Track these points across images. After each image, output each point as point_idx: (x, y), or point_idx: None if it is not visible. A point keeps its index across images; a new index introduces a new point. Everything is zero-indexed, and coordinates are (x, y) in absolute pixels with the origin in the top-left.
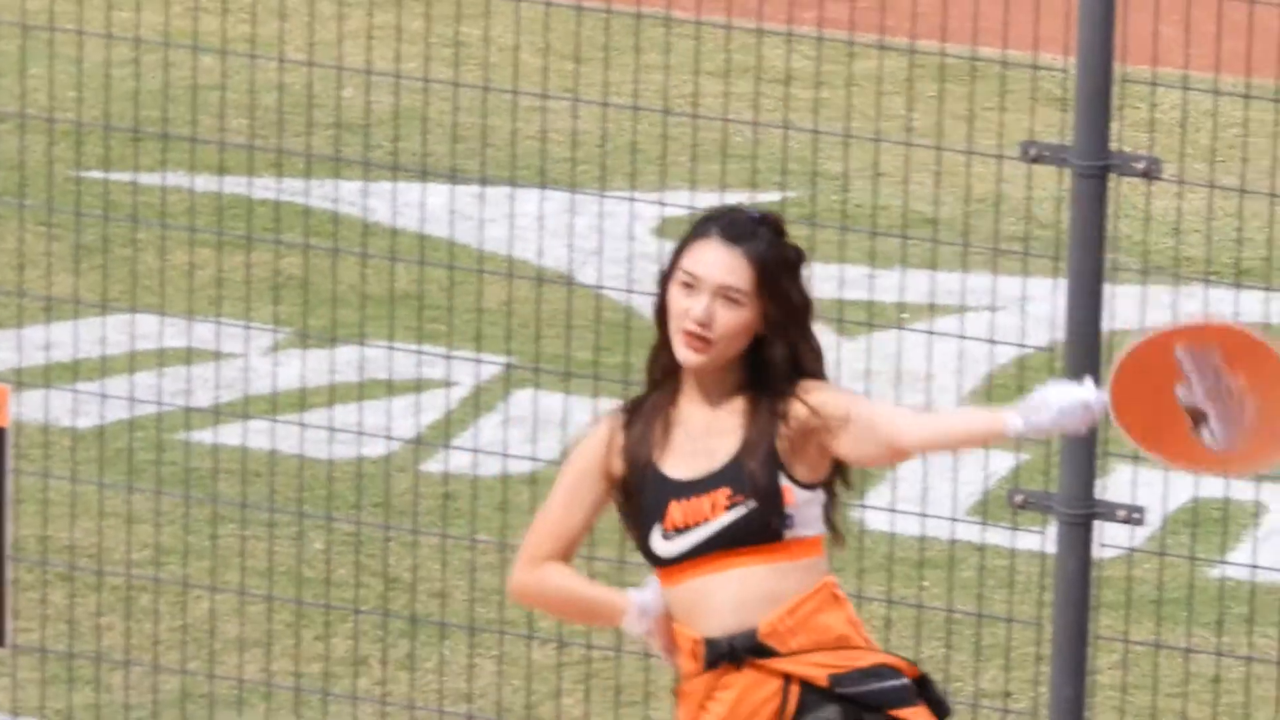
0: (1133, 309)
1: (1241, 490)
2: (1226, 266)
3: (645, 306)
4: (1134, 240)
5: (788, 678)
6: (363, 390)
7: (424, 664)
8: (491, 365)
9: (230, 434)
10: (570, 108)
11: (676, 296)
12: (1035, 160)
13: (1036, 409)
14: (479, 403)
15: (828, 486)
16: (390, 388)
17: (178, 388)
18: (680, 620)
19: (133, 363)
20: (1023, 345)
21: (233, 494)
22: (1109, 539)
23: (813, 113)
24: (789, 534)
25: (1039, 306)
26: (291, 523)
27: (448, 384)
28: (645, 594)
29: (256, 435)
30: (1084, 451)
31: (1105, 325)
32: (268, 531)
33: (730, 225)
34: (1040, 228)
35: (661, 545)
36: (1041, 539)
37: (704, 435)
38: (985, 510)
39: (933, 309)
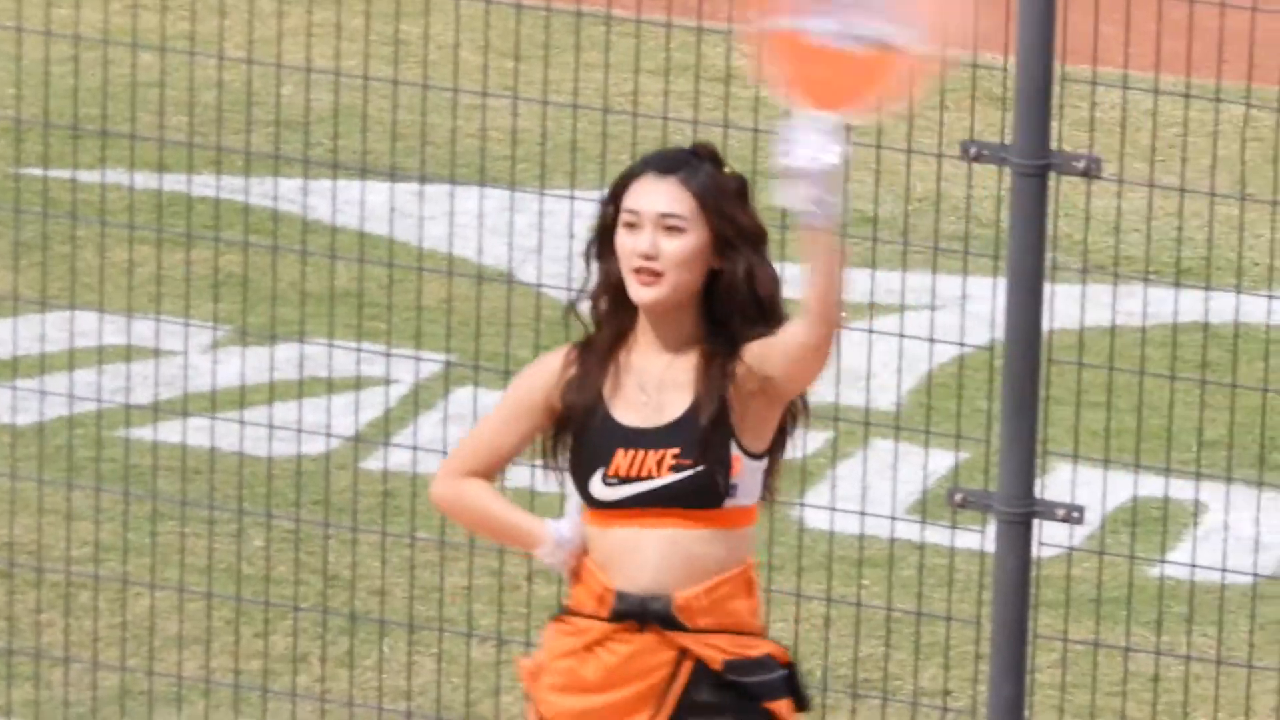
0: (1073, 308)
1: (1181, 490)
2: (1166, 266)
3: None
4: (1074, 239)
5: (684, 651)
6: (302, 388)
7: (363, 661)
8: (431, 363)
9: (170, 431)
10: (510, 106)
11: (623, 240)
12: (975, 159)
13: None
14: (418, 400)
15: (772, 453)
16: (330, 385)
17: (117, 385)
18: (598, 561)
19: (72, 360)
20: (963, 344)
21: (172, 491)
22: (1048, 538)
23: (753, 111)
24: (730, 502)
25: (979, 305)
26: (231, 520)
27: (387, 382)
28: (563, 526)
29: (196, 433)
30: (1024, 450)
31: (1045, 324)
32: (207, 529)
33: (662, 158)
34: (980, 227)
35: (600, 489)
36: (981, 538)
37: (656, 385)
38: (924, 509)
39: (873, 308)
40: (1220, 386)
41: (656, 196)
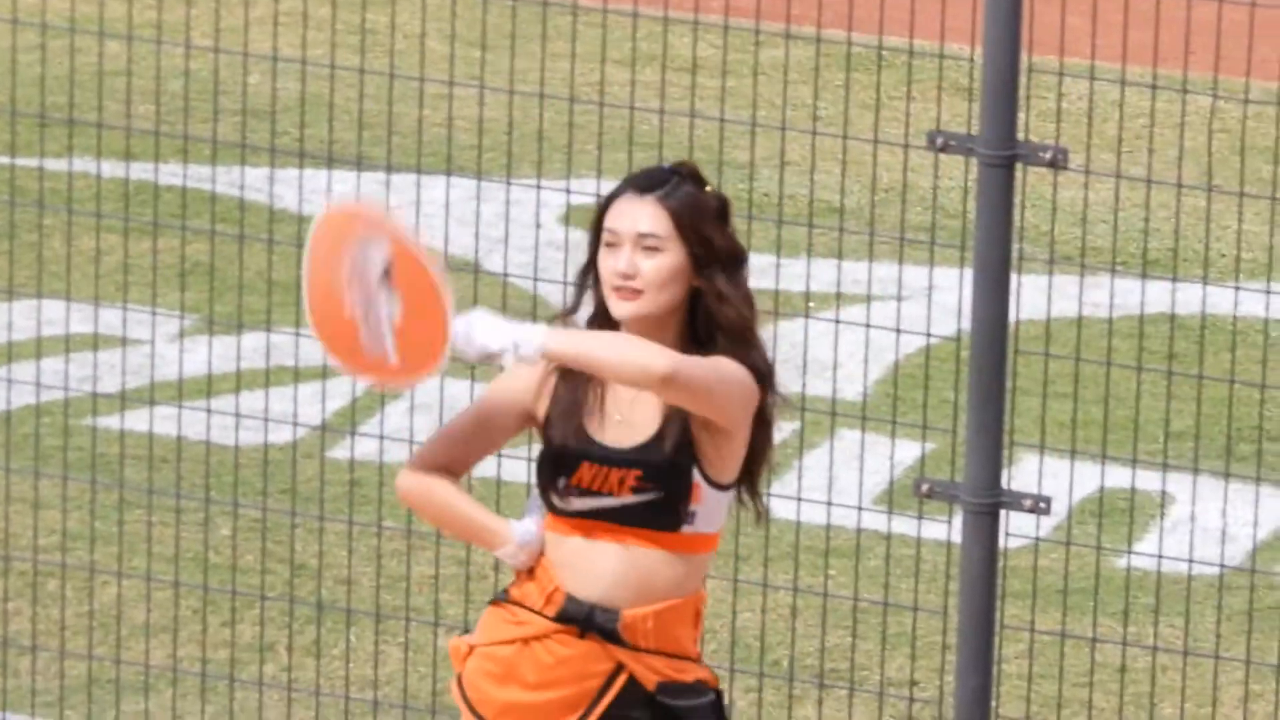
0: (1039, 299)
1: (1148, 481)
2: (1133, 257)
3: (552, 294)
4: (1041, 230)
5: (620, 666)
6: (269, 377)
7: (330, 650)
8: None
9: (137, 420)
10: (477, 95)
11: (604, 259)
12: (942, 150)
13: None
14: (385, 389)
15: (743, 484)
16: (297, 374)
17: (84, 373)
18: (554, 563)
19: (39, 348)
20: (929, 335)
21: (139, 480)
22: (1015, 528)
23: (719, 101)
24: (687, 529)
25: (945, 296)
26: (198, 509)
27: None
28: (527, 528)
29: (163, 421)
30: (990, 441)
31: (1012, 315)
32: (174, 517)
33: (642, 177)
34: (947, 217)
35: (562, 498)
36: (948, 528)
37: (629, 404)
38: (891, 499)
39: (839, 298)
40: (1187, 377)
41: (635, 216)
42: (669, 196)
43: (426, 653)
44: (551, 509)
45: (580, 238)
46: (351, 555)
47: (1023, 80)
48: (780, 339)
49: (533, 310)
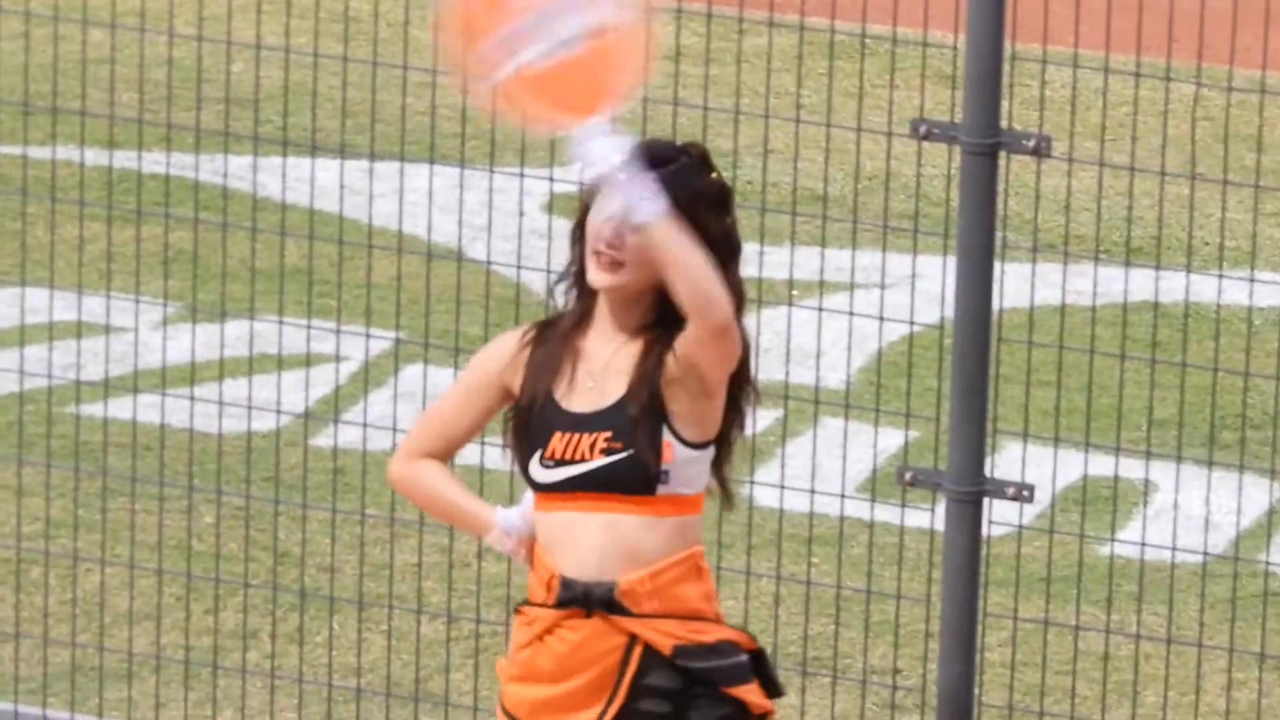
0: (1023, 287)
1: (1132, 469)
2: (1116, 245)
3: (535, 282)
4: (1024, 218)
5: (633, 637)
6: (253, 365)
7: (313, 638)
8: (381, 340)
9: (120, 408)
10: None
11: (593, 218)
12: (925, 137)
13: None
14: (368, 378)
15: (718, 444)
16: (280, 362)
17: (68, 361)
18: (545, 547)
19: (23, 336)
20: (913, 323)
21: (123, 468)
22: (998, 516)
23: (702, 89)
24: (663, 489)
25: (929, 284)
26: (181, 496)
27: (337, 359)
28: (513, 514)
29: (146, 409)
30: (974, 429)
31: (995, 303)
32: (158, 505)
33: (650, 151)
34: (930, 205)
35: (539, 471)
36: (931, 516)
37: (601, 371)
38: (874, 487)
39: (822, 286)
40: (1170, 366)
41: None
42: (670, 176)
43: (409, 640)
44: (532, 485)
45: (564, 226)
46: (334, 543)
47: (1006, 68)
48: (764, 327)
49: (515, 298)
